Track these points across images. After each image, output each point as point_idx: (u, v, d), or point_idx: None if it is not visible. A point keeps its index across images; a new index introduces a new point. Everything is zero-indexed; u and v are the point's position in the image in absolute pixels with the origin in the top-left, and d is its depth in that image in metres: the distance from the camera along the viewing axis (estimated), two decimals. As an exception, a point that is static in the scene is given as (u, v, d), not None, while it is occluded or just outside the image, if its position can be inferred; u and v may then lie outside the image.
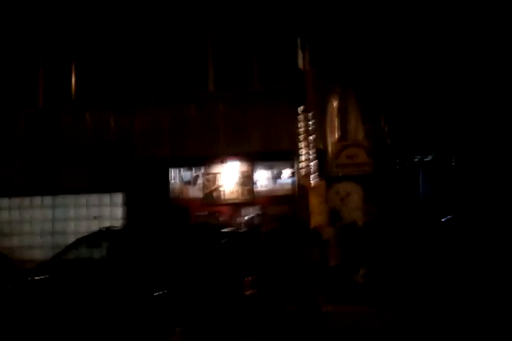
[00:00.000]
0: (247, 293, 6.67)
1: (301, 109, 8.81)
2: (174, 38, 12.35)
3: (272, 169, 12.04)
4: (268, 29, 11.50)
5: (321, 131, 10.67)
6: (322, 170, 11.01)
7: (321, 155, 10.78)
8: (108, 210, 12.96)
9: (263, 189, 12.07)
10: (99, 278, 6.80)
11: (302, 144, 8.79)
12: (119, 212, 12.76)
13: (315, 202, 8.77)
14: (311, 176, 8.77)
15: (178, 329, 6.71)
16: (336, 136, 11.07)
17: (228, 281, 6.54)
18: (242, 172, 11.98)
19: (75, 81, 13.09)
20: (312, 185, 8.76)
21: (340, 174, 10.95)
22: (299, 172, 8.83)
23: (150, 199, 12.29)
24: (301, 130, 8.82)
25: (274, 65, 11.55)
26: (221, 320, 6.70)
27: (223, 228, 8.19)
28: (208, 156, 12.04)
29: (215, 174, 12.17)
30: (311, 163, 8.80)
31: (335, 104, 11.04)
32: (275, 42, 11.33)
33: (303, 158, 8.74)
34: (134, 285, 6.56)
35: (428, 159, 13.32)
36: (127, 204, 12.56)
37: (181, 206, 12.43)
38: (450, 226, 12.45)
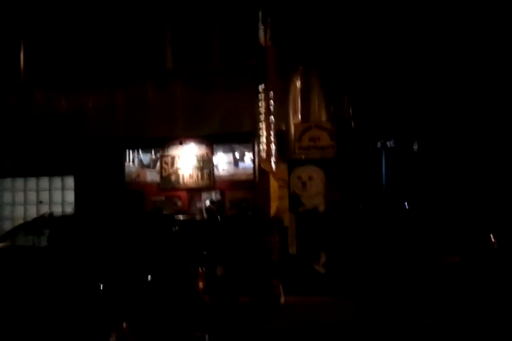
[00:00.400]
0: (199, 284, 6.20)
1: (261, 87, 8.26)
2: (130, 12, 11.60)
3: (233, 152, 11.54)
4: (229, 2, 10.88)
5: (282, 111, 10.14)
6: (284, 153, 10.52)
7: (282, 137, 10.28)
8: (59, 194, 12.29)
9: (223, 173, 11.57)
10: (36, 269, 6.23)
11: (263, 125, 8.25)
12: (71, 196, 12.10)
13: (276, 186, 8.28)
14: (272, 159, 8.27)
15: (124, 323, 6.20)
16: (299, 117, 10.61)
17: (178, 273, 6.05)
18: (202, 156, 11.42)
19: (24, 58, 12.24)
20: (273, 169, 8.26)
21: (302, 157, 10.51)
22: (259, 156, 8.32)
23: (103, 183, 11.64)
24: (262, 110, 8.28)
25: (235, 41, 10.95)
26: (170, 314, 6.22)
27: (178, 215, 7.68)
28: (165, 138, 11.43)
29: (173, 156, 11.58)
30: (272, 146, 8.30)
31: (297, 83, 10.54)
32: (237, 17, 10.71)
33: (263, 140, 8.21)
34: (74, 277, 6.02)
35: (390, 144, 13.07)
36: (78, 188, 11.89)
37: (137, 190, 11.85)
38: (412, 213, 12.24)
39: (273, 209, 8.14)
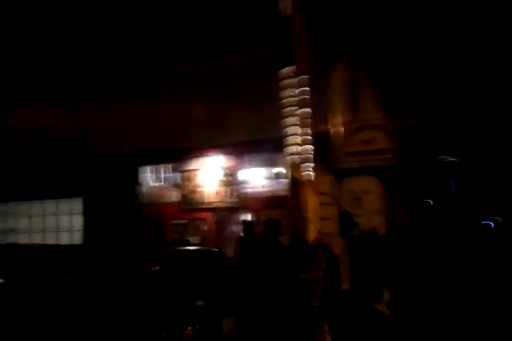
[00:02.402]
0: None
1: (286, 70, 6.12)
2: (133, 12, 9.77)
3: (266, 162, 9.35)
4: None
5: (322, 107, 7.96)
6: (328, 161, 8.29)
7: (324, 140, 8.07)
8: (67, 219, 10.44)
9: (255, 189, 9.38)
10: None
11: (290, 121, 6.10)
12: (80, 221, 10.23)
13: (315, 203, 6.05)
14: (309, 166, 6.07)
15: None
16: (347, 115, 8.34)
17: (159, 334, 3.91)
18: (227, 169, 9.30)
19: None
20: (308, 177, 6.04)
21: (354, 165, 8.22)
22: (290, 163, 6.13)
23: (115, 205, 9.71)
24: (287, 101, 6.14)
25: (257, 31, 8.86)
26: None
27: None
28: (184, 149, 9.41)
29: (194, 171, 9.51)
30: (307, 147, 6.09)
31: (342, 73, 8.31)
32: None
33: (294, 140, 6.06)
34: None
35: (457, 159, 10.73)
36: (86, 211, 10.01)
37: (153, 213, 9.82)
38: (498, 232, 9.66)
39: (312, 233, 5.88)
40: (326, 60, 8.06)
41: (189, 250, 5.36)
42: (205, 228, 9.44)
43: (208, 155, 9.38)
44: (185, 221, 9.55)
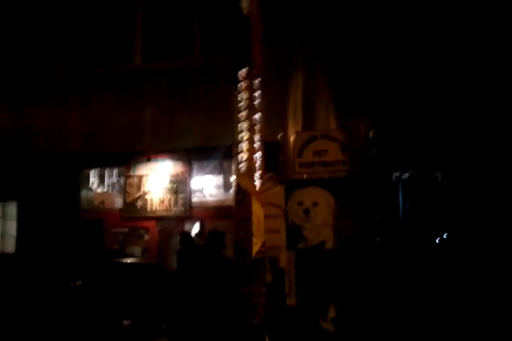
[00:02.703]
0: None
1: (242, 73, 5.84)
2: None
3: (216, 170, 9.02)
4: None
5: (276, 115, 7.72)
6: (280, 171, 8.03)
7: (276, 149, 7.81)
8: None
9: (203, 198, 9.03)
10: None
11: (243, 126, 5.80)
12: (13, 226, 9.61)
13: (260, 214, 5.72)
14: (256, 175, 5.76)
15: None
16: (300, 124, 8.12)
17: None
18: (176, 175, 8.91)
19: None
20: (257, 188, 5.72)
21: (304, 177, 7.97)
22: (237, 170, 5.81)
23: (53, 211, 9.14)
24: (242, 105, 5.83)
25: (220, 33, 8.59)
26: None
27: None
28: (130, 153, 8.97)
29: (140, 177, 9.08)
30: (256, 155, 5.78)
31: (298, 80, 8.10)
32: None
33: (243, 146, 5.74)
34: None
35: (408, 173, 10.68)
36: (22, 217, 9.40)
37: (94, 220, 9.31)
38: (448, 249, 9.60)
39: (256, 246, 5.54)
40: (283, 64, 7.83)
41: (120, 263, 4.96)
42: (148, 238, 9.00)
43: (155, 161, 8.97)
44: (126, 230, 9.09)
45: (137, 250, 8.94)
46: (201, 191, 9.04)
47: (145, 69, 8.99)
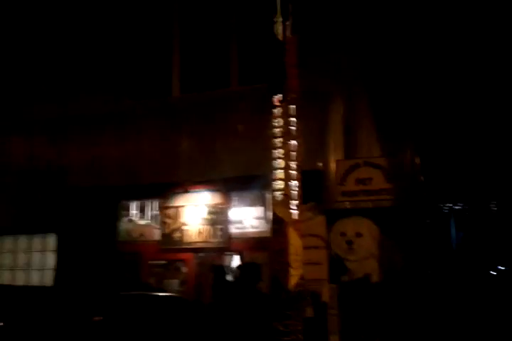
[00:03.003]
0: None
1: (278, 98, 5.65)
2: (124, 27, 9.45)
3: (256, 200, 8.76)
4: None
5: (316, 143, 7.48)
6: (318, 199, 7.72)
7: (316, 177, 7.52)
8: (38, 257, 9.74)
9: (243, 229, 8.75)
10: None
11: (278, 153, 5.57)
12: (52, 259, 9.53)
13: (299, 245, 5.42)
14: (293, 203, 5.48)
15: None
16: (342, 152, 7.84)
17: None
18: (214, 206, 8.70)
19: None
20: (294, 217, 5.43)
21: (347, 206, 7.63)
22: (273, 198, 5.56)
23: (92, 243, 9.03)
24: (278, 131, 5.62)
25: (256, 61, 8.49)
26: None
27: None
28: (167, 184, 8.84)
29: (178, 208, 8.90)
30: (293, 183, 5.52)
31: (338, 104, 7.88)
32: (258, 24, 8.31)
33: (278, 174, 5.50)
34: None
35: (461, 204, 10.15)
36: (60, 249, 9.32)
37: (131, 252, 9.14)
38: (504, 281, 8.99)
39: (294, 279, 5.21)
40: (322, 90, 7.62)
41: (144, 296, 4.70)
42: (185, 270, 8.74)
43: (193, 192, 8.80)
44: (164, 262, 8.87)
45: (174, 283, 8.68)
46: (241, 222, 8.76)
47: (182, 101, 8.94)
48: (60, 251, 9.29)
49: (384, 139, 7.69)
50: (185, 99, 8.91)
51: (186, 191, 8.72)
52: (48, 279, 9.42)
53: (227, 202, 8.66)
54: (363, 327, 7.19)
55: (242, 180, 8.25)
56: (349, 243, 7.49)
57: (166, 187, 8.93)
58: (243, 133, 8.30)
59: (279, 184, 5.52)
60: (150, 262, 8.95)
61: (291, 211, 5.48)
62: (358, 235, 7.48)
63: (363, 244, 7.45)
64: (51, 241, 9.55)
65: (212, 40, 8.97)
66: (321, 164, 7.71)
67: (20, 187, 9.59)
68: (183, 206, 8.85)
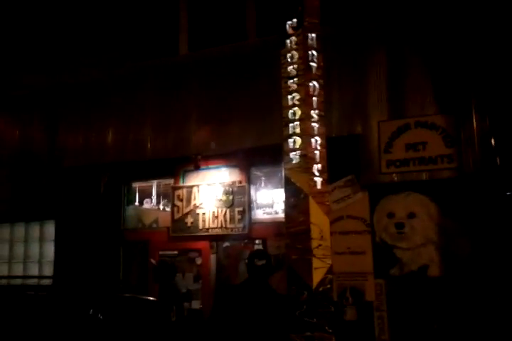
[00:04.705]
0: None
1: (291, 24, 4.07)
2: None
3: (278, 177, 7.18)
4: None
5: (344, 96, 5.87)
6: (361, 172, 6.09)
7: (350, 143, 5.91)
8: (37, 247, 8.49)
9: (266, 212, 7.20)
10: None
11: (293, 98, 4.01)
12: (52, 249, 8.26)
13: (323, 223, 3.84)
14: (315, 168, 3.91)
15: None
16: (383, 110, 6.16)
17: None
18: (232, 185, 7.18)
19: None
20: (318, 187, 3.87)
21: (395, 179, 5.98)
22: (287, 161, 4.01)
23: (92, 231, 7.71)
24: (292, 69, 4.06)
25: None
26: None
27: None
28: (177, 159, 7.37)
29: (191, 188, 7.43)
30: (317, 144, 3.96)
31: (380, 55, 6.18)
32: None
33: (294, 127, 3.95)
34: None
35: None
36: (58, 238, 8.04)
37: (138, 241, 7.75)
38: None
39: (319, 273, 3.64)
40: (357, 33, 5.96)
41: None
42: (200, 262, 7.28)
43: (206, 169, 7.32)
44: (175, 252, 7.44)
45: (188, 278, 7.25)
46: (271, 206, 7.20)
47: (191, 60, 7.42)
48: (59, 240, 8.01)
49: (442, 93, 5.96)
50: (194, 57, 7.39)
51: (197, 168, 7.23)
52: (47, 271, 8.17)
53: (246, 179, 7.12)
54: (421, 331, 5.59)
55: (264, 151, 6.67)
56: (399, 226, 5.87)
57: (175, 163, 7.49)
58: (264, 94, 6.72)
59: (296, 141, 3.96)
60: (160, 252, 7.53)
61: (314, 178, 3.92)
62: (411, 216, 5.85)
63: (418, 227, 5.82)
64: (50, 229, 8.29)
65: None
66: (358, 126, 6.07)
67: (14, 170, 8.36)
68: (196, 185, 7.37)
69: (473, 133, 5.74)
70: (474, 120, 5.73)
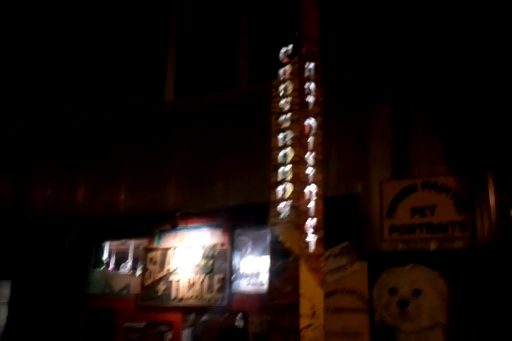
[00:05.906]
0: None
1: (286, 52, 3.45)
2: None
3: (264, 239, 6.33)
4: None
5: (343, 153, 5.20)
6: (359, 239, 5.28)
7: (353, 205, 5.17)
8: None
9: (251, 283, 6.28)
10: None
11: (286, 137, 3.31)
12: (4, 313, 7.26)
13: (316, 295, 3.02)
14: (308, 225, 3.15)
15: None
16: (386, 169, 5.44)
17: None
18: (213, 248, 6.33)
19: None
20: (310, 250, 3.08)
21: (399, 248, 5.17)
22: (274, 215, 3.25)
23: (51, 294, 6.77)
24: (284, 103, 3.38)
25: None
26: None
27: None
28: (152, 216, 6.53)
29: (166, 250, 6.57)
30: (310, 190, 3.22)
31: (383, 104, 5.56)
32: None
33: (287, 171, 3.24)
34: None
35: None
36: (13, 301, 7.06)
37: (103, 310, 6.76)
38: None
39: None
40: (360, 88, 5.37)
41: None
42: (170, 337, 6.27)
43: (184, 228, 6.49)
44: (143, 324, 6.44)
45: (156, 356, 6.24)
46: (257, 276, 6.31)
47: (174, 107, 6.80)
48: (13, 303, 7.03)
49: (452, 152, 5.27)
50: (178, 105, 6.77)
51: (174, 226, 6.40)
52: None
53: (229, 241, 6.29)
54: None
55: (250, 210, 5.90)
56: (403, 305, 4.98)
57: (150, 221, 6.66)
58: (253, 148, 6.03)
59: (287, 189, 3.21)
60: (126, 324, 6.53)
61: (307, 237, 3.14)
62: (416, 293, 4.98)
63: (424, 306, 4.93)
64: (5, 290, 7.33)
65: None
66: (358, 186, 5.34)
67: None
68: (172, 247, 6.51)
69: (489, 197, 4.99)
70: (491, 182, 5.00)
